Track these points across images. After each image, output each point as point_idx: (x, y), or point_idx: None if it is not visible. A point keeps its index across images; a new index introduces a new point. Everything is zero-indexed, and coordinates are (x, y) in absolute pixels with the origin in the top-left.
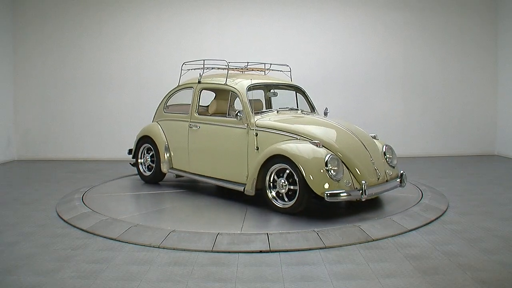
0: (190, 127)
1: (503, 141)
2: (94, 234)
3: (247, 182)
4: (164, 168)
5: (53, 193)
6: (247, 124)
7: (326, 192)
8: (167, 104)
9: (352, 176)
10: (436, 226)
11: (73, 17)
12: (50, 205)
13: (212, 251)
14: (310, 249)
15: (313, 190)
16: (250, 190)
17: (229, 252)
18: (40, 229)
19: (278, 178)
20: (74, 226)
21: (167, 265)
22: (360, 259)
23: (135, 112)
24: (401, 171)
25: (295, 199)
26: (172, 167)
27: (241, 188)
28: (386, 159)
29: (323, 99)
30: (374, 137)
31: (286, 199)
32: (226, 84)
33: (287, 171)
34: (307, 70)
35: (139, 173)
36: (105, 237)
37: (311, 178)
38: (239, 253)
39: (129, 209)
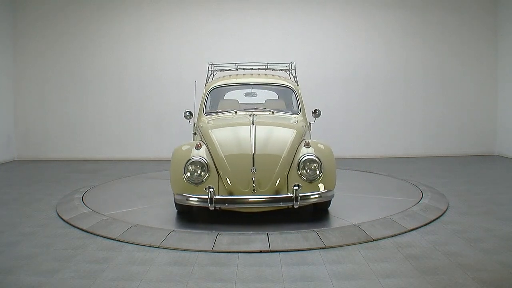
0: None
1: (503, 141)
2: (94, 234)
3: None
4: None
5: (53, 193)
6: (194, 123)
7: (176, 194)
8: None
9: (222, 183)
10: (436, 226)
11: (73, 18)
12: (50, 205)
13: (212, 251)
14: (310, 249)
15: None
16: None
17: (229, 252)
18: (40, 229)
19: None
20: (74, 226)
21: (167, 265)
22: (360, 259)
23: (135, 112)
24: (296, 188)
25: None
26: None
27: None
28: (302, 171)
29: (324, 99)
30: (306, 144)
31: None
32: (205, 85)
33: None
34: (308, 69)
35: None
36: (105, 237)
37: (171, 178)
38: (239, 253)
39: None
